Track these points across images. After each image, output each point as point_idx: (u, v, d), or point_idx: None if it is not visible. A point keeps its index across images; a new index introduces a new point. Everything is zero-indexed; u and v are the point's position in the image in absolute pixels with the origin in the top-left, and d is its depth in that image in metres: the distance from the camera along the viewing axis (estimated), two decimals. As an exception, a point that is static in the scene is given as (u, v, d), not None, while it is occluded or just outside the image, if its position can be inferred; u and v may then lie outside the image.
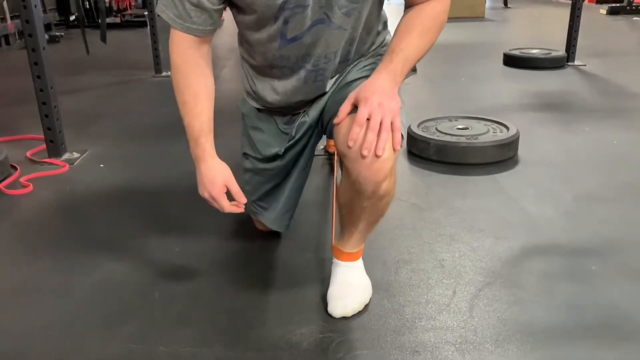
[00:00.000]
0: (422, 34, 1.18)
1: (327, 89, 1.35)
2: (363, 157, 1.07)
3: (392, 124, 1.08)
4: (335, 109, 1.21)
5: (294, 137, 1.41)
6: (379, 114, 1.07)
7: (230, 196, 1.26)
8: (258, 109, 1.45)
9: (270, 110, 1.44)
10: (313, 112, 1.39)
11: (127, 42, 5.44)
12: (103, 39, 3.36)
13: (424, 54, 1.20)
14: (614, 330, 1.21)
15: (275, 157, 1.44)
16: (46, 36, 2.17)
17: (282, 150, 1.42)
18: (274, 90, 1.36)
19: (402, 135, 1.12)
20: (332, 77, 1.34)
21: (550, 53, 3.91)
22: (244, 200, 1.25)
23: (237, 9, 1.24)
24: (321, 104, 1.38)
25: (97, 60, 4.35)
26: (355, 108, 1.12)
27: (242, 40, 1.36)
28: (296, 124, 1.40)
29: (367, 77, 1.18)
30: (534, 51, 3.97)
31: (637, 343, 1.17)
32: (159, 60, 3.82)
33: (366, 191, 1.12)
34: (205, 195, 1.26)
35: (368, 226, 1.26)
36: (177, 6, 1.19)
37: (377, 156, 1.07)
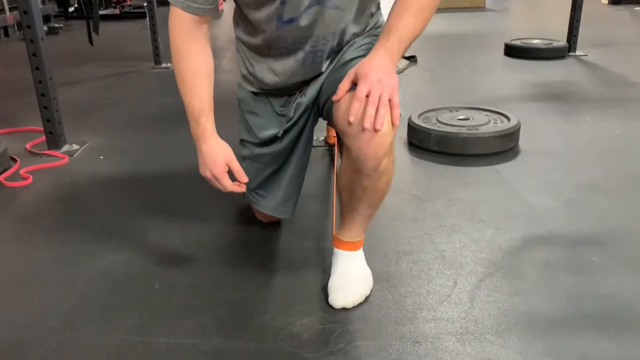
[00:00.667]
0: (417, 12, 1.18)
1: (324, 70, 1.36)
2: (363, 129, 1.07)
3: (390, 100, 1.08)
4: (332, 89, 1.22)
5: (292, 118, 1.41)
6: (378, 89, 1.08)
7: (231, 176, 1.26)
8: (254, 93, 1.46)
9: (266, 93, 1.44)
10: (310, 92, 1.39)
11: (126, 33, 5.42)
12: (95, 30, 3.33)
13: (419, 32, 1.20)
14: (615, 320, 1.20)
15: (272, 141, 1.44)
16: (45, 28, 2.16)
17: (281, 132, 1.42)
18: (272, 71, 1.37)
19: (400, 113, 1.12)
20: (328, 58, 1.35)
21: (551, 43, 3.88)
22: (245, 179, 1.25)
23: None
24: (318, 84, 1.38)
25: (96, 51, 4.32)
26: (354, 85, 1.12)
27: (239, 19, 1.36)
28: (294, 105, 1.41)
29: (363, 56, 1.19)
30: (535, 41, 3.95)
31: (638, 334, 1.16)
32: (159, 52, 3.81)
33: (366, 168, 1.13)
34: (207, 174, 1.26)
35: (368, 210, 1.26)
36: None
37: (376, 130, 1.07)
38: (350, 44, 1.36)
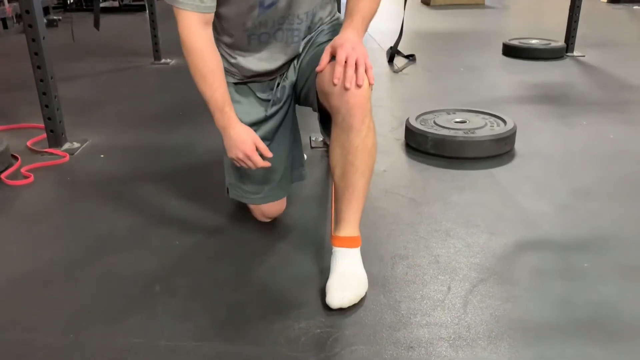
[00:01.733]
0: None
1: (301, 50, 1.54)
2: (346, 89, 1.25)
3: (365, 63, 1.27)
4: (309, 69, 1.47)
5: (279, 98, 1.56)
6: (354, 55, 1.27)
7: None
8: (235, 84, 1.58)
9: (247, 82, 1.58)
10: (290, 75, 1.57)
11: (125, 27, 5.41)
12: (96, 25, 3.33)
13: (375, 12, 1.40)
14: (605, 327, 1.24)
15: (256, 124, 1.55)
16: (44, 20, 2.17)
17: (269, 111, 1.56)
18: (259, 58, 1.52)
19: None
20: (303, 39, 1.53)
21: (549, 43, 3.90)
22: (269, 154, 1.45)
23: None
24: (296, 68, 1.56)
25: (95, 46, 4.34)
26: (333, 58, 1.30)
27: (216, 24, 1.49)
28: (278, 88, 1.56)
29: (331, 39, 1.35)
30: (533, 41, 3.97)
31: (627, 340, 1.20)
32: (158, 48, 3.81)
33: (356, 121, 1.28)
34: (240, 155, 1.43)
35: (361, 181, 1.34)
36: None
37: (358, 86, 1.26)
38: (317, 31, 1.55)
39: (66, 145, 2.29)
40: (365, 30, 1.38)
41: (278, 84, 1.57)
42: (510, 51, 3.92)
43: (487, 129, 2.21)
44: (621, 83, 3.25)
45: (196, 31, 1.38)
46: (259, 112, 1.56)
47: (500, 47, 4.03)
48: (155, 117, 2.72)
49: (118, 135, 2.46)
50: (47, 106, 2.21)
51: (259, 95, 1.58)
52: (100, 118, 2.72)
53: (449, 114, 2.39)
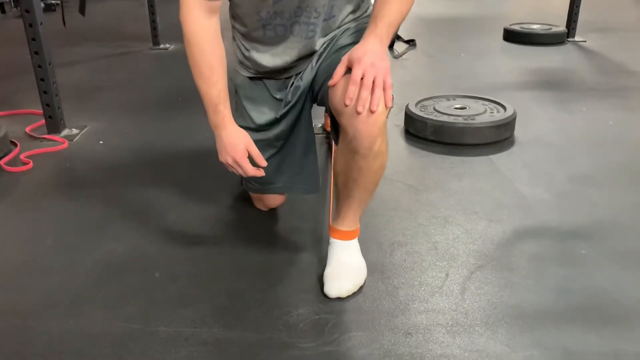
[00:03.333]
0: None
1: (317, 47, 1.41)
2: (358, 113, 1.13)
3: (384, 82, 1.14)
4: (327, 74, 1.30)
5: (290, 101, 1.46)
6: (372, 73, 1.13)
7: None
8: (250, 78, 1.50)
9: (262, 78, 1.49)
10: (306, 76, 1.44)
11: (123, 11, 5.37)
12: (81, 10, 3.28)
13: (405, 16, 1.27)
14: (601, 314, 1.25)
15: (269, 125, 1.48)
16: (42, 4, 2.15)
17: (279, 114, 1.47)
18: (272, 53, 1.42)
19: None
20: (321, 37, 1.40)
21: (550, 28, 3.88)
22: (264, 163, 1.33)
23: None
24: (314, 69, 1.43)
25: (93, 30, 4.31)
26: (348, 70, 1.17)
27: (234, 13, 1.42)
28: (291, 89, 1.46)
29: (355, 42, 1.24)
30: (535, 26, 3.94)
31: (623, 327, 1.21)
32: (157, 32, 3.79)
33: (362, 147, 1.18)
34: (229, 160, 1.32)
35: (363, 194, 1.31)
36: None
37: (372, 112, 1.13)
38: (342, 30, 1.41)
39: (65, 132, 2.29)
40: (391, 37, 1.24)
41: (292, 84, 1.46)
42: (511, 36, 3.90)
43: (487, 115, 2.21)
44: (622, 69, 3.24)
45: (197, 20, 1.28)
46: (271, 112, 1.48)
47: (501, 32, 4.00)
48: (154, 103, 2.71)
49: (117, 122, 2.46)
50: (45, 92, 2.20)
51: (274, 94, 1.49)
52: (99, 104, 2.71)
53: (448, 100, 2.38)
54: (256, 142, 1.48)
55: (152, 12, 3.73)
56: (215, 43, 1.32)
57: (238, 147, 1.31)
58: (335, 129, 1.33)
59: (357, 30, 1.40)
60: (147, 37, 3.84)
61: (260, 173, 1.33)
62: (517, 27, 3.92)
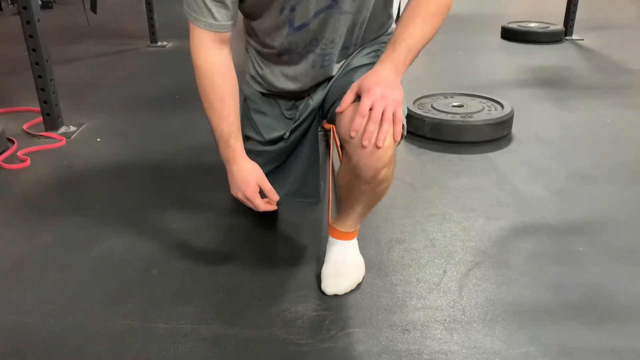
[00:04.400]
0: (427, 19, 1.18)
1: (334, 73, 1.37)
2: (364, 147, 1.10)
3: (394, 115, 1.09)
4: (338, 95, 1.26)
5: (298, 119, 1.42)
6: (381, 105, 1.08)
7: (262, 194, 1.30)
8: (262, 93, 1.46)
9: (274, 95, 1.45)
10: (317, 95, 1.40)
11: (121, 9, 5.35)
12: (93, 8, 3.30)
13: (428, 40, 1.19)
14: (598, 310, 1.25)
15: (277, 140, 1.45)
16: (39, 1, 2.14)
17: (288, 133, 1.42)
18: (285, 76, 1.37)
19: (403, 126, 1.14)
20: (338, 62, 1.36)
21: (548, 27, 3.89)
22: (276, 197, 1.28)
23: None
24: (326, 88, 1.39)
25: (91, 28, 4.29)
26: (358, 97, 1.13)
27: (249, 29, 1.37)
28: (301, 107, 1.42)
29: (371, 64, 1.19)
30: (532, 25, 3.95)
31: (620, 323, 1.21)
32: (155, 30, 3.78)
33: (365, 176, 1.16)
34: (239, 195, 1.29)
35: (365, 209, 1.30)
36: (198, 3, 1.18)
37: (377, 147, 1.09)
38: (358, 50, 1.37)
39: (62, 129, 2.28)
40: (409, 63, 1.17)
41: (303, 104, 1.42)
42: (509, 34, 3.90)
43: (485, 113, 2.21)
44: (619, 67, 3.24)
45: (207, 50, 1.22)
46: (281, 129, 1.44)
47: (499, 30, 4.01)
48: (151, 100, 2.71)
49: (114, 119, 2.45)
50: (43, 89, 2.20)
51: (284, 111, 1.45)
52: (96, 101, 2.70)
53: (446, 97, 2.38)
54: (262, 152, 1.47)
55: (149, 10, 3.73)
56: (227, 74, 1.26)
57: (249, 182, 1.26)
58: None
59: (374, 50, 1.36)
60: (144, 35, 3.83)
61: (272, 207, 1.29)
62: (515, 26, 3.93)
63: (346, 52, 1.35)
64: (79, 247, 1.50)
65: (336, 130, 1.20)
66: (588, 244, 1.50)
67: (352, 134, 1.10)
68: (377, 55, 1.25)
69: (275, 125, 1.45)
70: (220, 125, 1.26)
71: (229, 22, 1.22)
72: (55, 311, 1.26)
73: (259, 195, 1.28)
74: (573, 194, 1.78)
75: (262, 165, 1.48)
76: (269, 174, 1.49)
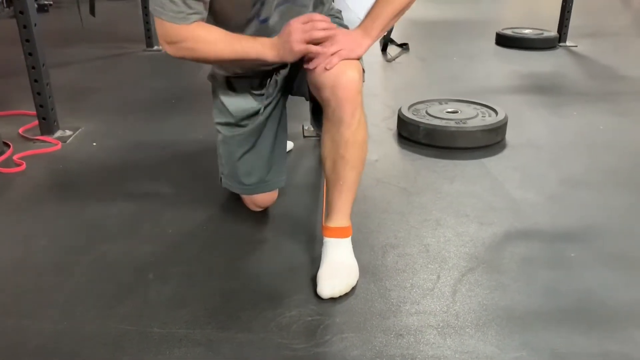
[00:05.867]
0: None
1: None
2: (326, 69, 1.26)
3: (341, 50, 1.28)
4: (300, 62, 1.37)
5: (272, 93, 1.52)
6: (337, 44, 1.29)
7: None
8: (228, 77, 1.54)
9: (240, 77, 1.53)
10: (282, 70, 1.52)
11: (117, 12, 5.36)
12: (92, 11, 3.31)
13: (395, 15, 1.36)
14: (588, 315, 1.27)
15: (247, 118, 1.53)
16: (35, 5, 2.15)
17: (262, 107, 1.52)
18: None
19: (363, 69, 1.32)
20: None
21: (542, 33, 3.92)
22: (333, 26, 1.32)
23: None
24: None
25: (87, 31, 4.30)
26: None
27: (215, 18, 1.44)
28: (270, 82, 1.51)
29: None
30: (527, 31, 3.98)
31: (611, 328, 1.23)
32: (150, 34, 3.79)
33: (346, 116, 1.27)
34: (301, 42, 1.28)
35: (351, 173, 1.35)
36: (176, 3, 1.26)
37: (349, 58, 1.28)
38: None
39: (58, 133, 2.29)
40: (379, 30, 1.34)
41: (270, 79, 1.52)
42: (503, 41, 3.93)
43: (479, 119, 2.23)
44: (612, 74, 3.27)
45: (180, 30, 1.29)
46: (251, 105, 1.53)
47: (494, 36, 4.03)
48: (147, 104, 2.71)
49: (110, 123, 2.46)
50: (39, 94, 2.20)
51: (253, 90, 1.54)
52: (92, 105, 2.71)
53: (441, 103, 2.40)
54: (232, 137, 1.56)
55: (145, 14, 3.74)
56: (199, 26, 1.31)
57: (292, 25, 1.29)
58: (315, 115, 1.48)
59: None
60: (140, 39, 3.84)
61: (332, 26, 1.31)
62: (509, 32, 3.96)
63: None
64: (75, 251, 1.51)
65: (309, 80, 1.33)
66: (580, 249, 1.52)
67: (328, 66, 1.25)
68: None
69: (243, 102, 1.54)
70: (235, 45, 1.32)
71: (204, 13, 1.32)
72: (50, 315, 1.26)
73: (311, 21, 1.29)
74: (566, 200, 1.79)
75: (233, 152, 1.58)
76: (241, 160, 1.57)
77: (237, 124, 1.55)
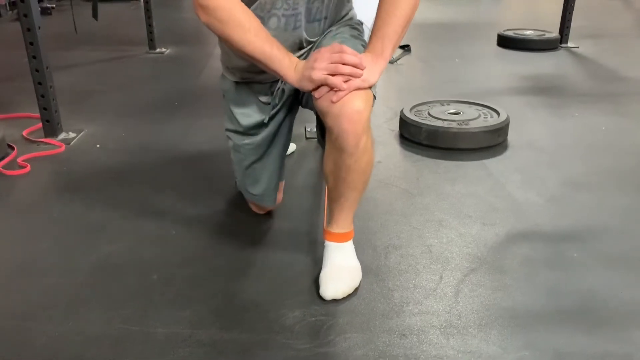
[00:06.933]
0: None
1: (304, 35, 1.39)
2: (333, 102, 1.18)
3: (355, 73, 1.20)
4: None
5: (277, 104, 1.48)
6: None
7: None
8: (237, 83, 1.51)
9: (248, 83, 1.49)
10: None
11: (119, 15, 5.38)
12: (94, 14, 3.32)
13: (403, 30, 1.32)
14: (590, 316, 1.27)
15: (256, 127, 1.50)
16: (38, 8, 2.15)
17: (267, 118, 1.48)
18: None
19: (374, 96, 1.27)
20: (309, 36, 1.40)
21: (544, 34, 3.92)
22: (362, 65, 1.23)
23: None
24: None
25: (89, 34, 4.31)
26: None
27: None
28: (277, 92, 1.47)
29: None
30: (528, 32, 3.98)
31: (613, 329, 1.23)
32: (153, 37, 3.80)
33: (348, 146, 1.21)
34: (322, 66, 1.20)
35: (354, 193, 1.33)
36: None
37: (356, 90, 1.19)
38: (325, 33, 1.43)
39: (62, 135, 2.30)
40: (390, 50, 1.28)
41: (278, 88, 1.47)
42: (505, 42, 3.93)
43: (481, 120, 2.24)
44: (614, 75, 3.27)
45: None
46: (259, 115, 1.49)
47: (495, 37, 4.04)
48: (150, 106, 2.72)
49: (114, 125, 2.47)
50: (42, 96, 2.22)
51: (260, 98, 1.50)
52: (95, 108, 2.72)
53: (443, 105, 2.41)
54: (242, 146, 1.54)
55: (148, 16, 3.75)
56: (241, 4, 1.23)
57: (320, 51, 1.22)
58: (321, 131, 1.34)
59: (339, 33, 1.43)
60: (143, 41, 3.85)
61: (361, 66, 1.21)
62: (510, 33, 3.96)
63: (312, 18, 1.38)
64: (78, 252, 1.52)
65: (315, 107, 1.25)
66: (582, 250, 1.52)
67: (334, 99, 1.18)
68: (342, 36, 1.35)
69: (251, 113, 1.50)
70: (263, 45, 1.23)
71: None
72: (55, 316, 1.27)
73: (343, 54, 1.20)
74: (567, 200, 1.80)
75: (242, 160, 1.56)
76: (249, 169, 1.56)
77: (245, 133, 1.53)
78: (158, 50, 3.81)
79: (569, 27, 3.90)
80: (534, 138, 2.30)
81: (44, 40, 2.14)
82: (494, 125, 2.18)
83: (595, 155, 2.15)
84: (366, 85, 1.22)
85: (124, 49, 3.92)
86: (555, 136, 2.33)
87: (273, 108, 1.49)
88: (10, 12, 5.21)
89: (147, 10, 3.73)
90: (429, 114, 2.30)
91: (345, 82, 1.19)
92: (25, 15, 2.08)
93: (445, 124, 2.18)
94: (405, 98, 2.62)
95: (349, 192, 1.32)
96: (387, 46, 1.27)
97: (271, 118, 1.50)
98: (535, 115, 2.58)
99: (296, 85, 1.25)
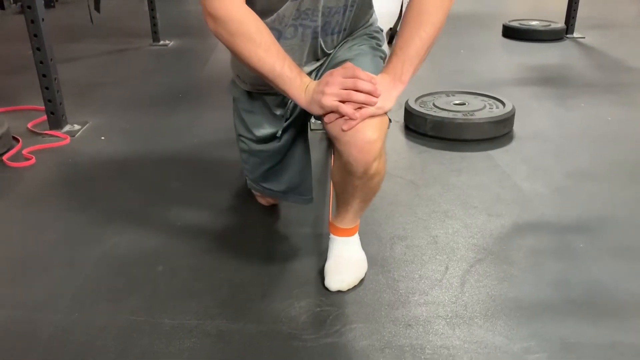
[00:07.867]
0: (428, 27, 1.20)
1: (323, 47, 1.33)
2: (343, 130, 1.11)
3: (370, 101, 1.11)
4: None
5: (290, 117, 1.42)
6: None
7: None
8: (249, 92, 1.45)
9: (260, 93, 1.43)
10: None
11: (123, 7, 5.37)
12: (96, 7, 3.31)
13: (426, 53, 1.21)
14: (596, 306, 1.27)
15: (270, 138, 1.44)
16: (42, 0, 2.15)
17: (280, 131, 1.42)
18: None
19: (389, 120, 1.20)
20: (327, 48, 1.34)
21: (549, 25, 3.89)
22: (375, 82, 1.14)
23: None
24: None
25: (93, 27, 4.30)
26: None
27: None
28: (290, 104, 1.40)
29: (353, 58, 1.24)
30: (534, 23, 3.95)
31: (619, 319, 1.23)
32: (157, 29, 3.79)
33: (357, 172, 1.17)
34: (334, 98, 1.11)
35: (361, 204, 1.32)
36: None
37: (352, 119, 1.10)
38: (341, 44, 1.37)
39: (67, 127, 2.30)
40: (411, 73, 1.18)
41: (291, 100, 1.33)
42: (510, 33, 3.91)
43: (486, 111, 2.22)
44: (620, 65, 3.25)
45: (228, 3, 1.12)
46: (271, 127, 1.43)
47: (500, 28, 4.01)
48: (155, 98, 2.72)
49: (118, 117, 2.47)
50: (47, 88, 2.22)
51: (273, 110, 1.43)
52: (100, 100, 2.72)
53: (448, 96, 2.40)
54: (257, 152, 1.48)
55: (152, 9, 3.73)
56: (254, 16, 1.15)
57: (332, 73, 1.13)
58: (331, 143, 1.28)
59: (356, 44, 1.37)
60: (147, 34, 3.84)
61: (376, 93, 1.12)
62: (516, 24, 3.93)
63: (332, 40, 1.34)
64: (84, 244, 1.52)
65: (325, 129, 1.19)
66: (588, 240, 1.51)
67: (345, 127, 1.11)
68: (359, 48, 1.30)
69: (264, 123, 1.44)
70: (275, 63, 1.15)
71: None
72: (61, 307, 1.28)
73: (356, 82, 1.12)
74: (573, 191, 1.79)
75: (258, 165, 1.50)
76: (266, 174, 1.51)
77: (259, 142, 1.47)
78: (162, 42, 3.79)
79: (574, 18, 3.86)
80: (539, 129, 2.29)
81: (47, 32, 2.14)
82: (500, 116, 2.17)
83: (601, 145, 2.13)
84: (380, 112, 1.13)
85: (128, 41, 3.91)
86: (561, 127, 2.32)
87: (286, 121, 1.41)
88: (14, 4, 5.21)
89: (151, 2, 3.71)
90: (434, 104, 2.29)
91: (358, 108, 1.11)
92: (29, 7, 2.08)
93: (450, 115, 2.17)
94: (410, 89, 2.59)
95: (356, 203, 1.30)
96: (408, 70, 1.17)
97: (285, 130, 1.42)
98: (541, 105, 2.57)
99: (306, 108, 1.17)
